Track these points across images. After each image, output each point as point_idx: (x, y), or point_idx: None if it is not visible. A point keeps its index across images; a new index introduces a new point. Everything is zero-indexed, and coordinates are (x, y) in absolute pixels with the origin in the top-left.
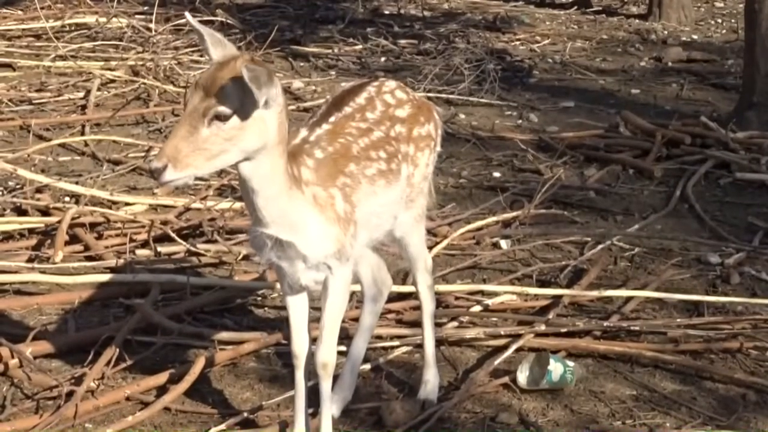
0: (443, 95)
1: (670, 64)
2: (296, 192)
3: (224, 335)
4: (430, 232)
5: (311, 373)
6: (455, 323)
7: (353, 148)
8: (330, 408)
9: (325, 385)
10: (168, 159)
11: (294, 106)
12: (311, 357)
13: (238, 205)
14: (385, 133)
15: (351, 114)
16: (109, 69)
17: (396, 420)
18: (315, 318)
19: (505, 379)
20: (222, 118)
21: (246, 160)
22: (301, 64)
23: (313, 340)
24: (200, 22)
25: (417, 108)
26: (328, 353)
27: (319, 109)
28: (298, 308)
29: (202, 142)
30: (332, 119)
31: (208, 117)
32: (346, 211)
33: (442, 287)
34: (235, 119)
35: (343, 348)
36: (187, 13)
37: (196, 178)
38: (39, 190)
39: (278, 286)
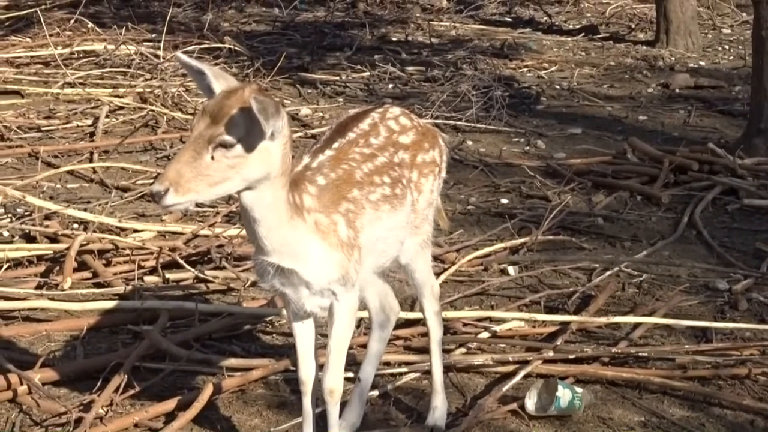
0: (451, 122)
1: (677, 90)
2: (298, 221)
3: (232, 362)
4: (437, 258)
5: (319, 399)
6: (463, 349)
7: (356, 173)
8: None
9: (333, 411)
10: (170, 183)
11: (302, 133)
12: (319, 383)
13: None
14: (389, 158)
15: (354, 140)
16: (118, 96)
17: None
18: (323, 344)
19: (514, 406)
20: (227, 145)
21: (248, 189)
22: (309, 90)
23: (321, 367)
24: (207, 49)
25: (421, 134)
26: (335, 379)
27: (323, 136)
28: (304, 334)
29: (205, 169)
30: (335, 145)
31: (212, 144)
32: (349, 237)
33: (450, 314)
34: (239, 148)
35: (350, 374)
36: (178, 53)
37: (200, 204)
38: (47, 217)
39: (285, 312)
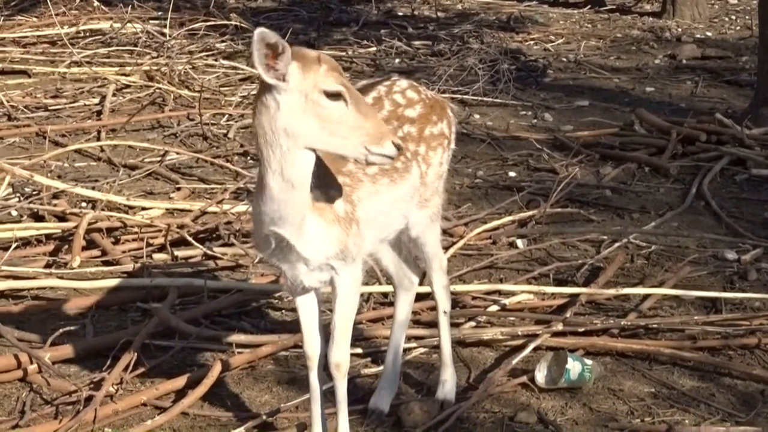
0: (458, 96)
1: (684, 61)
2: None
3: (242, 338)
4: (446, 232)
5: (329, 374)
6: (473, 323)
7: None
8: (346, 409)
9: (340, 386)
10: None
11: None
12: (326, 357)
13: None
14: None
15: None
16: (124, 74)
17: (415, 420)
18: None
19: (523, 379)
20: None
21: None
22: None
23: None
24: (213, 26)
25: (429, 107)
26: (341, 354)
27: None
28: (307, 309)
29: None
30: None
31: None
32: (346, 211)
33: (459, 287)
34: None
35: (358, 350)
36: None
37: (208, 181)
38: (56, 196)
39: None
